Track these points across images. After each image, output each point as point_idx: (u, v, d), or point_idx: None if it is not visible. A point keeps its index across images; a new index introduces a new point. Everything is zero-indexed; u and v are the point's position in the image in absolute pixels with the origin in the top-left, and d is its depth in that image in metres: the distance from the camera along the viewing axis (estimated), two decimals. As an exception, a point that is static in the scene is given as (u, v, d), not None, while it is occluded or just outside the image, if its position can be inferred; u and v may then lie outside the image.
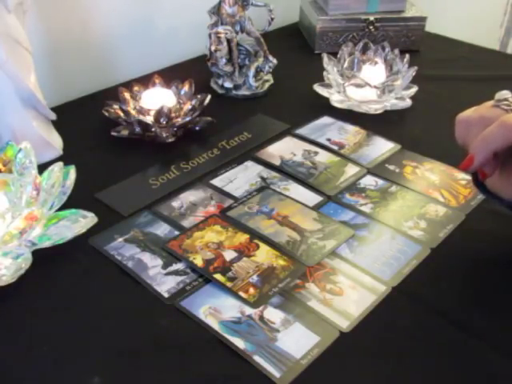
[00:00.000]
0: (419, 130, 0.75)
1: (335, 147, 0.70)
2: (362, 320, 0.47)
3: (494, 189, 0.49)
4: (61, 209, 0.55)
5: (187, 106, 0.73)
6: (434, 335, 0.46)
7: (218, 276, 0.51)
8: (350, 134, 0.73)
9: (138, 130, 0.70)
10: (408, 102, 0.79)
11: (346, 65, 0.80)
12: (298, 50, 1.01)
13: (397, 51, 0.79)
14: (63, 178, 0.56)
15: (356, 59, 0.79)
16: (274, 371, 0.42)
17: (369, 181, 0.64)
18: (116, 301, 0.49)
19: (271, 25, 0.83)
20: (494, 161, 0.46)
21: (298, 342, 0.45)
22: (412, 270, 0.52)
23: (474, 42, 1.02)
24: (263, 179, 0.64)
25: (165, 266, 0.52)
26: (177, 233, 0.56)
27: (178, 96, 0.74)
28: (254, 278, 0.51)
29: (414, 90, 0.79)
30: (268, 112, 0.79)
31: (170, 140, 0.69)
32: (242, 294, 0.49)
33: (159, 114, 0.69)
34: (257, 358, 0.43)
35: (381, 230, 0.57)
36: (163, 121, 0.70)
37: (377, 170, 0.66)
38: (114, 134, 0.70)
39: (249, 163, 0.68)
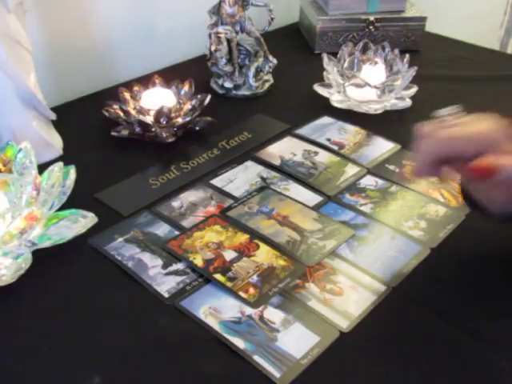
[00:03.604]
0: (419, 130, 0.75)
1: (335, 147, 0.70)
2: (361, 320, 0.47)
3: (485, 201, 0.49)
4: (61, 209, 0.55)
5: (187, 106, 0.73)
6: (433, 335, 0.46)
7: (218, 276, 0.51)
8: (349, 134, 0.73)
9: (138, 129, 0.70)
10: (408, 102, 0.79)
11: (345, 65, 0.80)
12: (297, 49, 1.01)
13: (397, 51, 0.79)
14: (63, 178, 0.56)
15: (356, 59, 0.79)
16: (274, 371, 0.42)
17: (369, 181, 0.64)
18: (116, 301, 0.49)
19: (271, 25, 0.83)
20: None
21: (297, 342, 0.45)
22: (412, 270, 0.52)
23: (474, 42, 1.02)
24: (263, 179, 0.64)
25: (165, 266, 0.52)
26: (177, 233, 0.56)
27: (178, 96, 0.74)
28: (254, 278, 0.50)
29: (414, 90, 0.79)
30: (268, 112, 0.79)
31: (169, 140, 0.69)
32: (242, 294, 0.49)
33: (159, 114, 0.69)
34: (257, 358, 0.43)
35: (381, 230, 0.57)
36: (163, 121, 0.70)
37: (377, 170, 0.66)
38: (114, 133, 0.70)
39: (249, 163, 0.68)
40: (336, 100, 0.79)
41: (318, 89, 0.81)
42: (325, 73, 0.80)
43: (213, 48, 0.80)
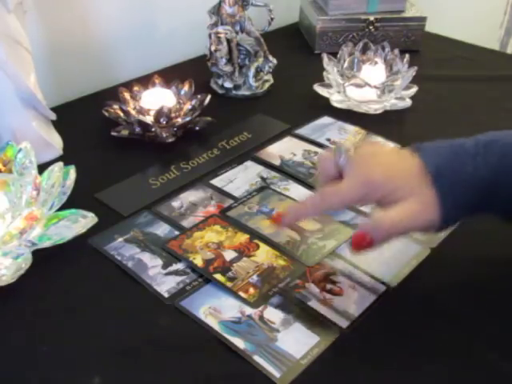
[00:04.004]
0: (419, 129, 0.75)
1: (335, 147, 0.70)
2: (362, 320, 0.47)
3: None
4: (61, 209, 0.55)
5: (187, 106, 0.73)
6: (433, 335, 0.46)
7: (217, 276, 0.51)
8: (350, 134, 0.73)
9: (138, 130, 0.70)
10: (408, 102, 0.79)
11: (345, 65, 0.80)
12: (298, 49, 1.01)
13: (397, 51, 0.79)
14: (63, 178, 0.56)
15: (356, 59, 0.79)
16: (273, 371, 0.42)
17: (369, 181, 0.64)
18: (116, 301, 0.49)
19: (271, 25, 0.83)
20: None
21: (297, 342, 0.45)
22: (412, 270, 0.52)
23: (474, 42, 1.02)
24: (263, 179, 0.64)
25: (165, 266, 0.52)
26: (177, 233, 0.56)
27: (178, 96, 0.74)
28: (254, 278, 0.50)
29: (414, 90, 0.79)
30: (268, 112, 0.79)
31: (169, 140, 0.69)
32: (241, 293, 0.49)
33: (159, 114, 0.69)
34: (257, 358, 0.43)
35: (381, 230, 0.57)
36: (163, 121, 0.70)
37: (377, 170, 0.66)
38: (114, 134, 0.70)
39: (249, 163, 0.68)
40: (336, 100, 0.79)
41: (318, 89, 0.81)
42: (325, 73, 0.80)
43: (213, 48, 0.80)
